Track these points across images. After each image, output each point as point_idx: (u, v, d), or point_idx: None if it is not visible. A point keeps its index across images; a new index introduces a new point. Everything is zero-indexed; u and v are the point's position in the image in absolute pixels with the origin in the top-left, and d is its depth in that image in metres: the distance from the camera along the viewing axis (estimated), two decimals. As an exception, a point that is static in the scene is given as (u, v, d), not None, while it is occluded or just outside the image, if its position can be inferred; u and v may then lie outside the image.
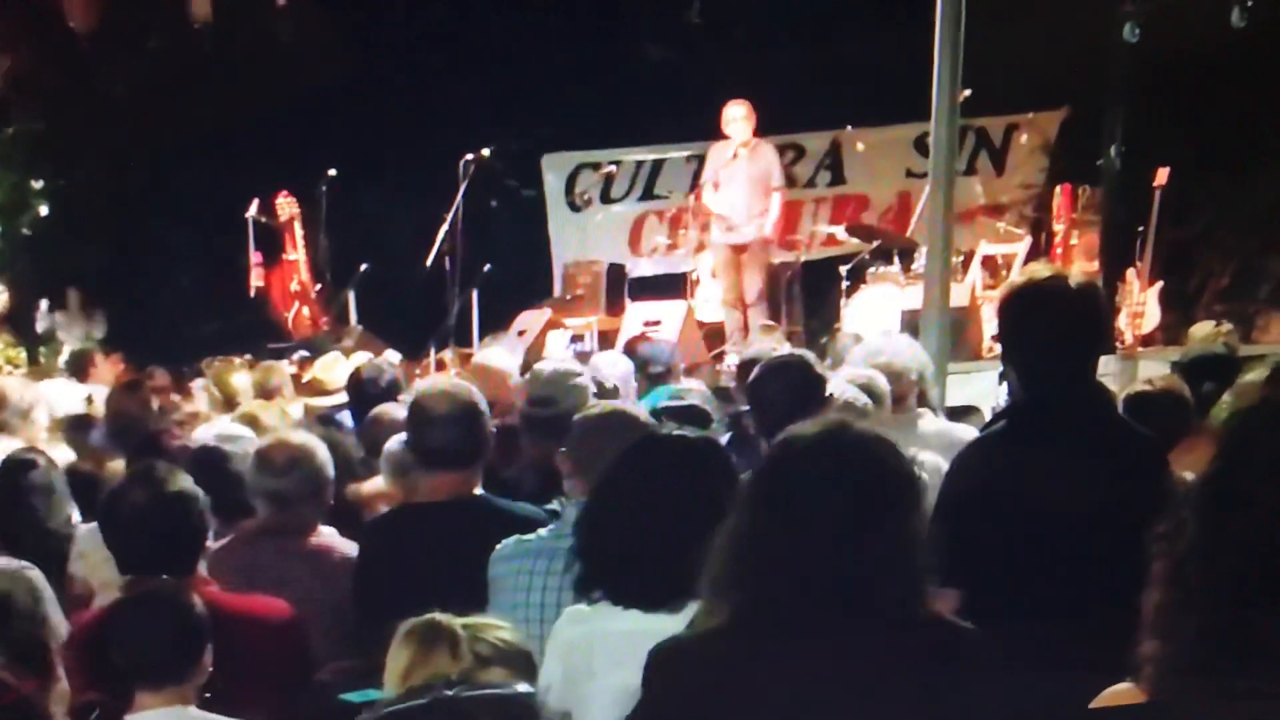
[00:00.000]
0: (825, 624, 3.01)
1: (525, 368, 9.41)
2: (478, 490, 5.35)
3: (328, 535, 5.56)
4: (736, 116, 14.29)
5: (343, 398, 9.07)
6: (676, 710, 3.16)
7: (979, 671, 3.05)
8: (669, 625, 3.60)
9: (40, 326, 16.63)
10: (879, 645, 3.01)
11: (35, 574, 5.22)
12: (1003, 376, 4.82)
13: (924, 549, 3.06)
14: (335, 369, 9.34)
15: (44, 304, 16.91)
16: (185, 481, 4.90)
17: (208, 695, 4.25)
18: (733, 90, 14.62)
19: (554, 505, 5.19)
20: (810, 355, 6.25)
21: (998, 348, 4.97)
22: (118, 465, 6.73)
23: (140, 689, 4.20)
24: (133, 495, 4.83)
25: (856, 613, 3.00)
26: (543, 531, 4.67)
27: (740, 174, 14.32)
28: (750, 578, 3.07)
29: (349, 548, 5.52)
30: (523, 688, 2.50)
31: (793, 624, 3.02)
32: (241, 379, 9.34)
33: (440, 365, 13.56)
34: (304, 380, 9.64)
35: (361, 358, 10.04)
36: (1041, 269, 4.81)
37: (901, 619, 3.02)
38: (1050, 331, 4.42)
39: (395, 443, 6.25)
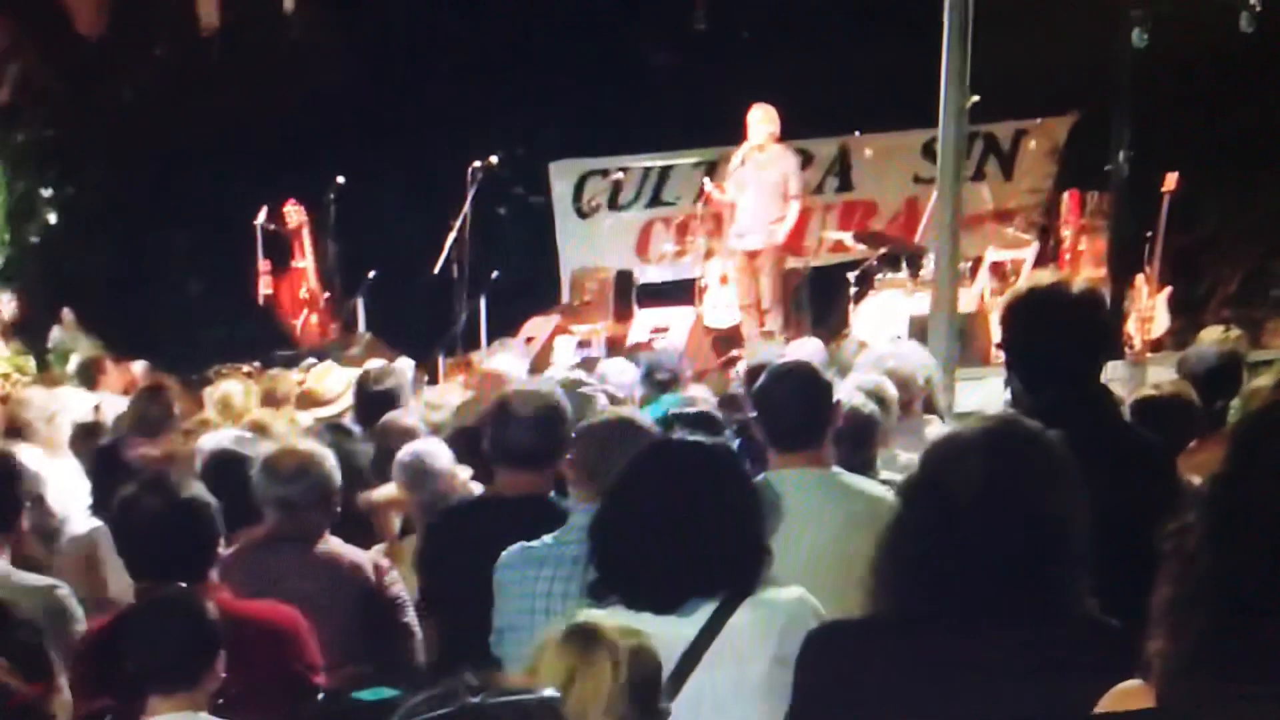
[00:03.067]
0: (983, 615, 3.04)
1: (532, 374, 9.41)
2: (551, 493, 5.37)
3: (336, 543, 5.56)
4: (753, 121, 14.26)
5: (339, 406, 9.08)
6: (835, 690, 3.20)
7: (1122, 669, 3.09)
8: (682, 628, 3.66)
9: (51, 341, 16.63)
10: (1033, 638, 3.03)
11: (62, 591, 5.25)
12: (1007, 383, 4.80)
13: (1084, 545, 3.09)
14: (327, 378, 9.31)
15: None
16: (198, 488, 4.92)
17: (220, 701, 4.24)
18: (741, 97, 14.61)
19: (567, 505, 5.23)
20: (817, 361, 6.23)
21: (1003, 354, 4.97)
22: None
23: (153, 695, 4.19)
24: (146, 501, 4.83)
25: (1015, 605, 3.04)
26: (547, 538, 4.68)
27: (751, 179, 14.30)
28: (913, 569, 3.12)
29: (357, 555, 5.53)
30: (548, 692, 2.50)
31: (950, 614, 3.06)
32: (234, 387, 9.33)
33: (448, 374, 13.56)
34: (299, 392, 9.61)
35: (374, 364, 10.01)
36: (1045, 275, 4.81)
37: (1058, 613, 3.05)
38: (1053, 338, 4.45)
39: (407, 452, 6.26)
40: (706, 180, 15.20)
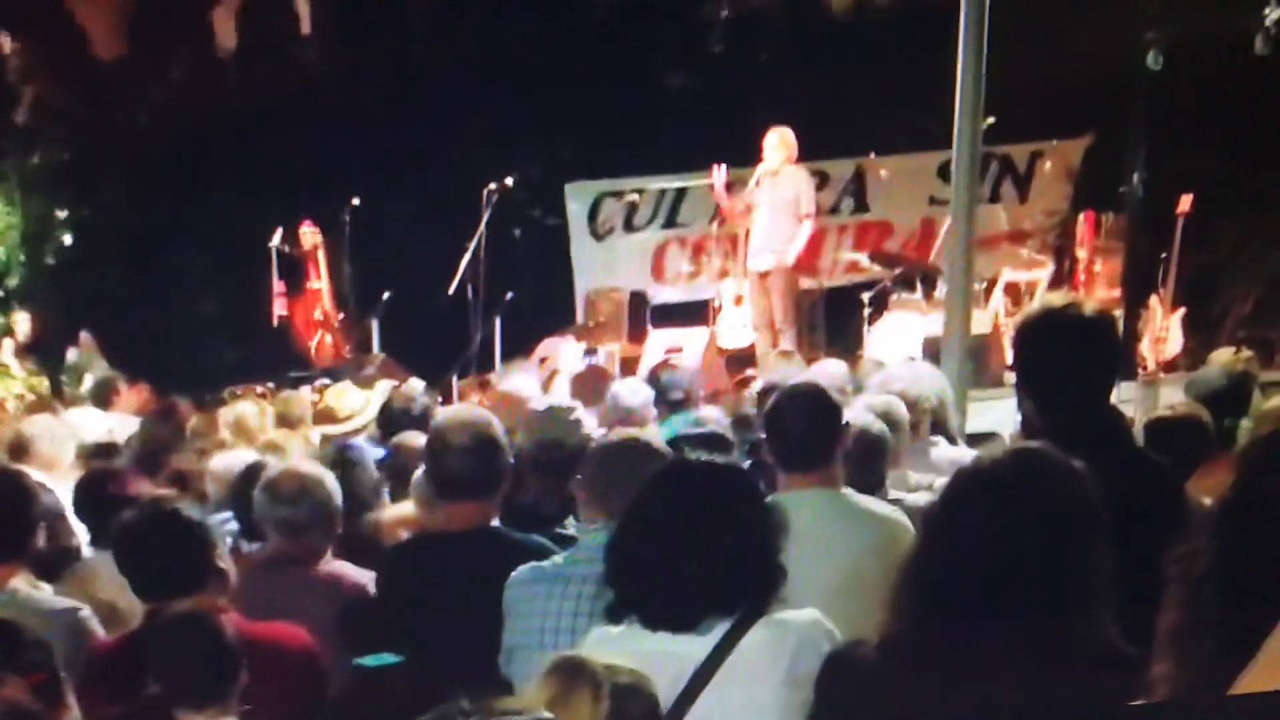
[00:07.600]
0: (1001, 641, 3.05)
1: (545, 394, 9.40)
2: (495, 521, 5.32)
3: (339, 565, 5.53)
4: (768, 145, 14.29)
5: (355, 425, 9.09)
6: (851, 712, 3.24)
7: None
8: (697, 646, 3.67)
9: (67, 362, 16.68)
10: (1051, 665, 3.02)
11: (84, 614, 5.24)
12: (1019, 404, 4.79)
13: (1106, 574, 3.08)
14: (345, 397, 9.34)
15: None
16: (183, 504, 4.97)
17: (247, 707, 4.26)
18: (757, 118, 14.63)
19: (569, 530, 5.19)
20: (840, 383, 6.21)
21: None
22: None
23: (182, 711, 4.21)
24: (131, 522, 4.89)
25: (1034, 632, 3.04)
26: (557, 558, 4.71)
27: (764, 200, 14.33)
28: (932, 594, 3.13)
29: (360, 576, 5.47)
30: (542, 713, 2.50)
31: (968, 640, 3.06)
32: (248, 408, 9.35)
33: (463, 394, 13.57)
34: (316, 409, 9.65)
35: (384, 386, 10.04)
36: (1057, 297, 4.79)
37: (1078, 641, 3.05)
38: (1064, 360, 4.41)
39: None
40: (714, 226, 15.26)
